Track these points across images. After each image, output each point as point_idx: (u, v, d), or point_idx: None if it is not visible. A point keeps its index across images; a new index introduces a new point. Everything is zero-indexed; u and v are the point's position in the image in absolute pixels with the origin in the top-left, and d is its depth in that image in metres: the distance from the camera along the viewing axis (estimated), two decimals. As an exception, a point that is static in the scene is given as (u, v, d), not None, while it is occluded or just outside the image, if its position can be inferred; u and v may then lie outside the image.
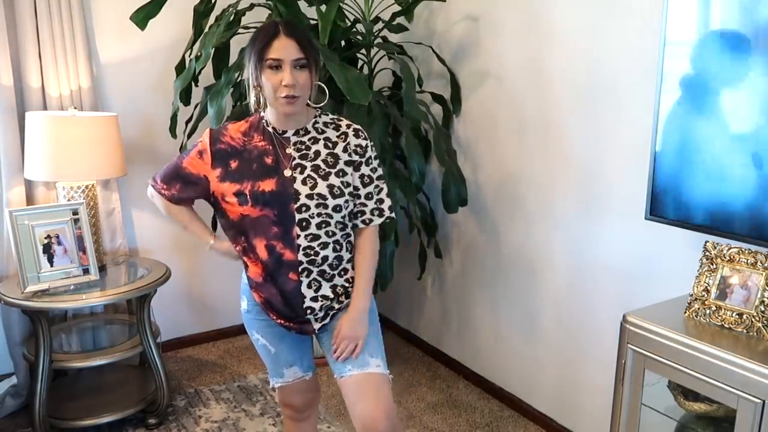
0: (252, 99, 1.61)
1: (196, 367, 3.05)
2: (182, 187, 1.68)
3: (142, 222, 3.00)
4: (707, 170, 1.65)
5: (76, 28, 2.57)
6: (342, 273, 1.66)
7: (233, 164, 1.60)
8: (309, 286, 1.62)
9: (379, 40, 2.89)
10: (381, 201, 1.68)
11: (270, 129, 1.62)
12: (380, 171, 1.69)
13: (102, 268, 2.53)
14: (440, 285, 3.11)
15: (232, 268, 3.31)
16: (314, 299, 1.63)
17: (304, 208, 1.58)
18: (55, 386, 2.58)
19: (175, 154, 2.92)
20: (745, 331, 1.55)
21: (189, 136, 2.74)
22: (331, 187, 1.59)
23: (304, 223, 1.58)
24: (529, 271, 2.56)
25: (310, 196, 1.57)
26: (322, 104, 1.66)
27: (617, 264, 2.18)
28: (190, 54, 2.65)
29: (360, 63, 2.97)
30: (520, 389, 2.69)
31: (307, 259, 1.60)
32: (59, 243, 2.33)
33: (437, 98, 2.89)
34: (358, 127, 1.67)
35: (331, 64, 2.36)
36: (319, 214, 1.58)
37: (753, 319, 1.54)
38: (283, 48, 1.49)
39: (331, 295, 1.65)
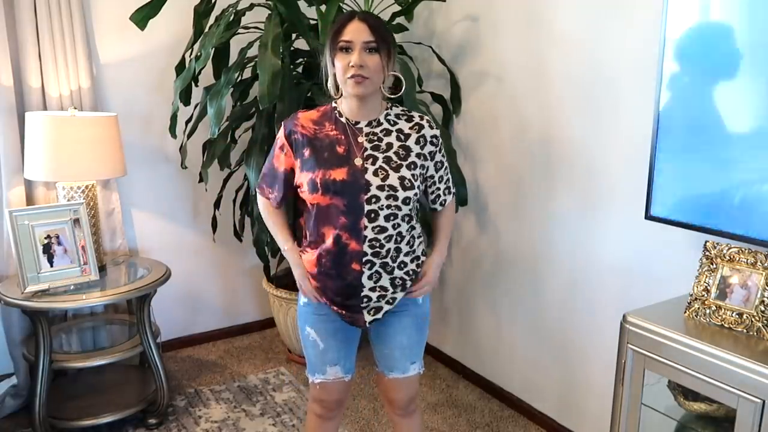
0: (330, 83, 1.64)
1: (196, 367, 3.05)
2: (280, 187, 1.72)
3: (142, 222, 3.00)
4: (707, 170, 1.65)
5: (76, 28, 2.57)
6: (402, 266, 1.69)
7: (306, 153, 1.63)
8: (370, 278, 1.65)
9: (379, 40, 2.88)
10: (449, 180, 1.79)
11: (343, 119, 1.65)
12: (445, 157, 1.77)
13: (102, 268, 2.52)
14: (440, 285, 3.11)
15: (232, 268, 3.32)
16: (372, 289, 1.66)
17: (374, 200, 1.60)
18: (55, 386, 2.58)
19: (175, 154, 2.96)
20: (745, 330, 1.55)
21: (189, 136, 2.74)
22: (402, 179, 1.61)
23: (372, 215, 1.60)
24: (530, 271, 2.56)
25: (381, 188, 1.60)
26: (396, 96, 1.67)
27: (617, 264, 2.18)
28: (190, 54, 2.65)
29: (360, 63, 2.96)
30: (521, 389, 2.69)
31: (372, 250, 1.62)
32: (59, 243, 2.33)
33: (437, 98, 2.89)
34: (428, 117, 1.72)
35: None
36: (388, 206, 1.61)
37: (753, 319, 1.54)
38: (355, 31, 1.54)
39: (390, 288, 1.68)
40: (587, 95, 2.21)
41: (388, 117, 1.67)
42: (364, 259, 1.62)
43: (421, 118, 1.69)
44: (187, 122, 2.76)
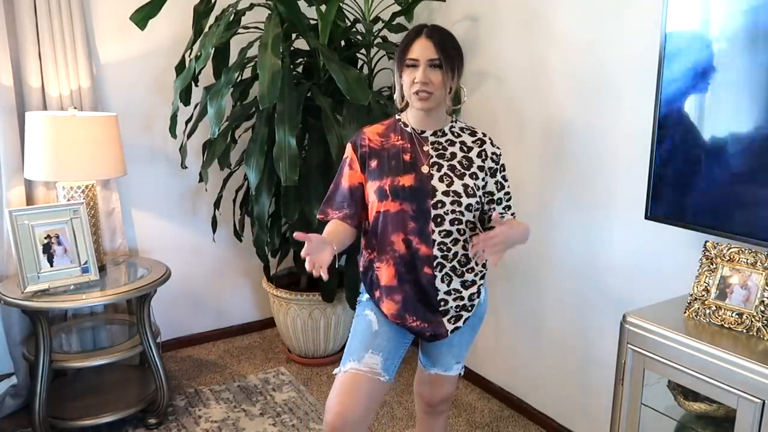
0: (397, 95, 1.72)
1: (196, 367, 3.05)
2: (350, 203, 1.74)
3: (142, 222, 3.00)
4: (707, 170, 1.65)
5: (76, 28, 2.57)
6: (470, 270, 1.74)
7: (373, 164, 1.70)
8: (442, 280, 1.70)
9: (379, 40, 2.89)
10: (510, 199, 1.80)
11: (408, 129, 1.72)
12: (508, 179, 1.81)
13: (102, 268, 2.53)
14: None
15: (231, 268, 3.31)
16: (447, 293, 1.71)
17: (439, 205, 1.66)
18: (55, 386, 2.58)
19: (175, 154, 2.96)
20: (745, 331, 1.56)
21: (189, 136, 2.75)
22: (465, 186, 1.68)
23: (438, 219, 1.66)
24: (530, 271, 2.56)
25: (446, 193, 1.66)
26: (457, 107, 1.74)
27: (618, 264, 2.18)
28: (190, 54, 2.65)
29: (360, 63, 2.97)
30: (521, 389, 2.69)
31: (441, 254, 1.68)
32: (59, 243, 2.33)
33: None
34: (490, 136, 1.78)
35: (331, 64, 2.36)
36: (453, 211, 1.67)
37: (753, 319, 1.54)
38: (421, 48, 1.61)
39: (462, 289, 1.73)
40: (587, 95, 2.21)
41: (453, 129, 1.74)
42: (435, 263, 1.68)
43: (484, 135, 1.76)
44: (187, 122, 2.76)
